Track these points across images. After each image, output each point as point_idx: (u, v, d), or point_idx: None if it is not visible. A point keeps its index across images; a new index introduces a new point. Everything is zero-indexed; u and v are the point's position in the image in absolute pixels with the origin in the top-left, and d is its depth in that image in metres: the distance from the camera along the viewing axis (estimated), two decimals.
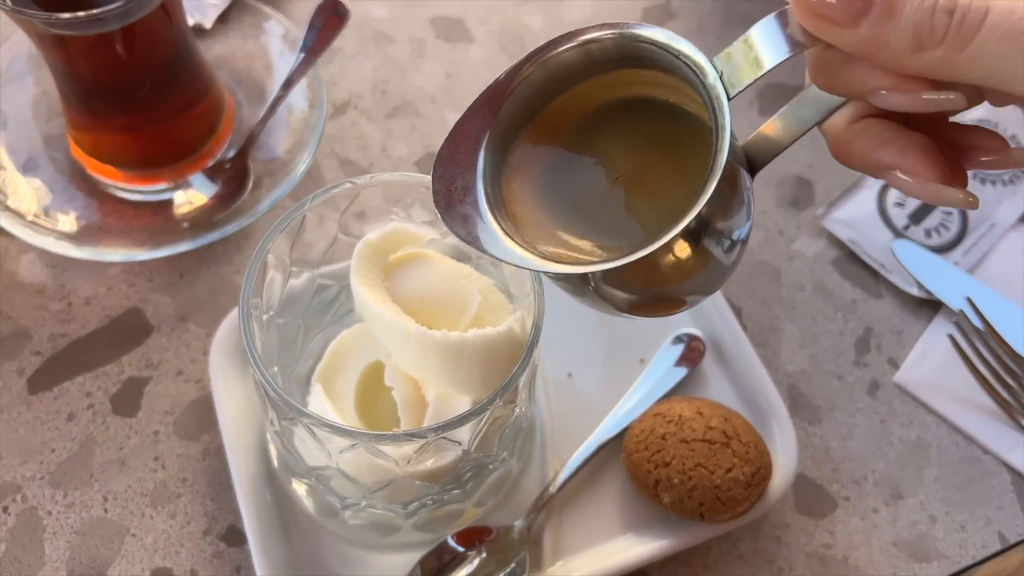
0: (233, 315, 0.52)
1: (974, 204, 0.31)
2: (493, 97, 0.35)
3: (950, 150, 0.32)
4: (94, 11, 0.47)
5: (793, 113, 0.35)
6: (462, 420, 0.38)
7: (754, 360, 0.54)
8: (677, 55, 0.32)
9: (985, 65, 0.27)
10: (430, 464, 0.41)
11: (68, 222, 0.57)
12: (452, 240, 0.46)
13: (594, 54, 0.34)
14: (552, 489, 0.49)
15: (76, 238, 0.56)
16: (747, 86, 0.31)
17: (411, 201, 0.45)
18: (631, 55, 0.34)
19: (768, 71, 0.30)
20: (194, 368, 0.55)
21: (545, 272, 0.33)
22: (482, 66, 0.68)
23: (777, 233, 0.63)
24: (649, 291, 0.34)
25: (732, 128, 0.30)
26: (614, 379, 0.54)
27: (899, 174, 0.31)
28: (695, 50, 0.32)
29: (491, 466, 0.45)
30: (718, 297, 0.56)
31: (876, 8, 0.27)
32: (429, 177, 0.43)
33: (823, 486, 0.54)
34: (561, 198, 0.36)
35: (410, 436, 0.37)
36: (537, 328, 0.40)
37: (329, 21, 0.62)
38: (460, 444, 0.40)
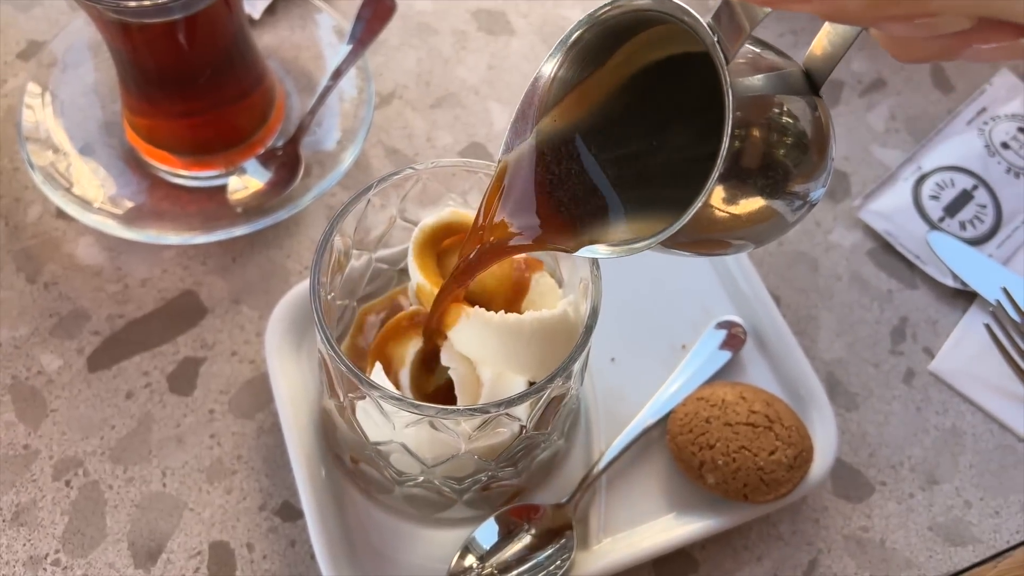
0: (287, 297, 0.54)
1: None
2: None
3: None
4: (160, 0, 0.48)
5: (835, 27, 0.35)
6: (524, 396, 0.39)
7: (794, 347, 0.55)
8: (678, 21, 0.33)
9: None
10: (489, 440, 0.42)
11: (124, 206, 0.58)
12: None
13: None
14: (597, 469, 0.51)
15: (132, 221, 0.57)
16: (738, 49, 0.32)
17: (468, 187, 0.46)
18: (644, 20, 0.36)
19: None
20: (247, 349, 0.56)
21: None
22: (523, 58, 0.69)
23: (814, 224, 0.64)
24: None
25: (733, 84, 0.31)
26: (656, 364, 0.55)
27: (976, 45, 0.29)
28: (693, 16, 0.32)
29: (543, 445, 0.46)
30: (758, 285, 0.57)
31: None
32: (485, 163, 0.45)
33: (860, 471, 0.55)
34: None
35: (475, 411, 0.39)
36: (595, 310, 0.41)
37: (377, 12, 0.64)
38: (519, 420, 0.42)
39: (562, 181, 0.39)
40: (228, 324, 0.57)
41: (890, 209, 0.64)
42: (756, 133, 0.33)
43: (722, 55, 0.31)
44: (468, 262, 0.41)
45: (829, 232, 0.63)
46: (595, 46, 0.38)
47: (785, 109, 0.34)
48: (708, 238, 0.36)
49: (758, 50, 0.35)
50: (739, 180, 0.33)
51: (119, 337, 0.56)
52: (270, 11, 0.67)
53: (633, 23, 0.37)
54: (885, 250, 0.63)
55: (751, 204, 0.34)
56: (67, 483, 0.52)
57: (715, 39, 0.31)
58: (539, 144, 0.39)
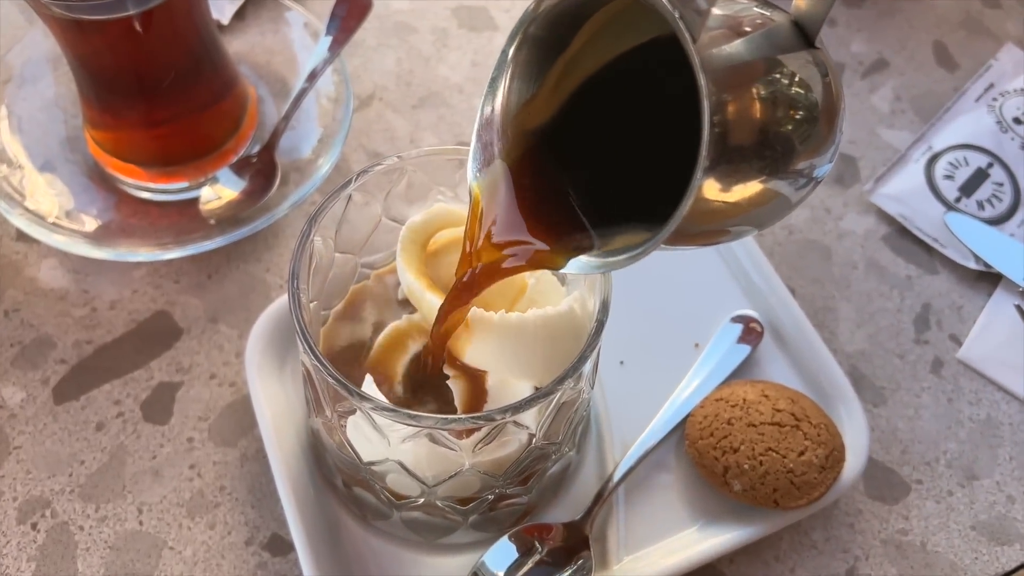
0: (268, 312, 0.50)
1: None
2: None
3: None
4: None
5: None
6: (532, 401, 0.35)
7: (815, 340, 0.51)
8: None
9: None
10: (495, 454, 0.38)
11: (89, 223, 0.54)
12: None
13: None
14: (613, 482, 0.47)
15: (98, 239, 0.53)
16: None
17: (458, 179, 0.43)
18: None
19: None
20: (227, 371, 0.52)
21: None
22: None
23: (824, 211, 0.60)
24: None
25: (706, 60, 0.27)
26: (669, 365, 0.51)
27: None
28: None
29: (553, 457, 0.42)
30: (772, 277, 0.53)
31: None
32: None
33: (894, 469, 0.51)
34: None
35: (479, 419, 0.35)
36: (606, 304, 0.37)
37: (351, 10, 0.60)
38: (527, 429, 0.38)
39: (541, 196, 0.36)
40: (205, 345, 0.53)
41: (903, 191, 0.60)
42: (744, 108, 0.28)
43: (687, 32, 0.27)
44: (462, 285, 0.37)
45: (840, 219, 0.60)
46: (546, 42, 0.34)
47: (776, 74, 0.30)
48: (703, 230, 0.32)
49: (737, 7, 0.30)
50: (732, 165, 0.29)
51: (87, 365, 0.52)
52: (239, 16, 0.64)
53: (581, 6, 0.33)
54: (901, 234, 0.59)
55: (748, 189, 0.30)
56: (33, 526, 0.47)
57: (677, 14, 0.27)
58: (510, 162, 0.36)
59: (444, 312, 0.38)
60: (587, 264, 0.34)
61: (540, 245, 0.35)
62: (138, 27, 0.48)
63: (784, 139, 0.30)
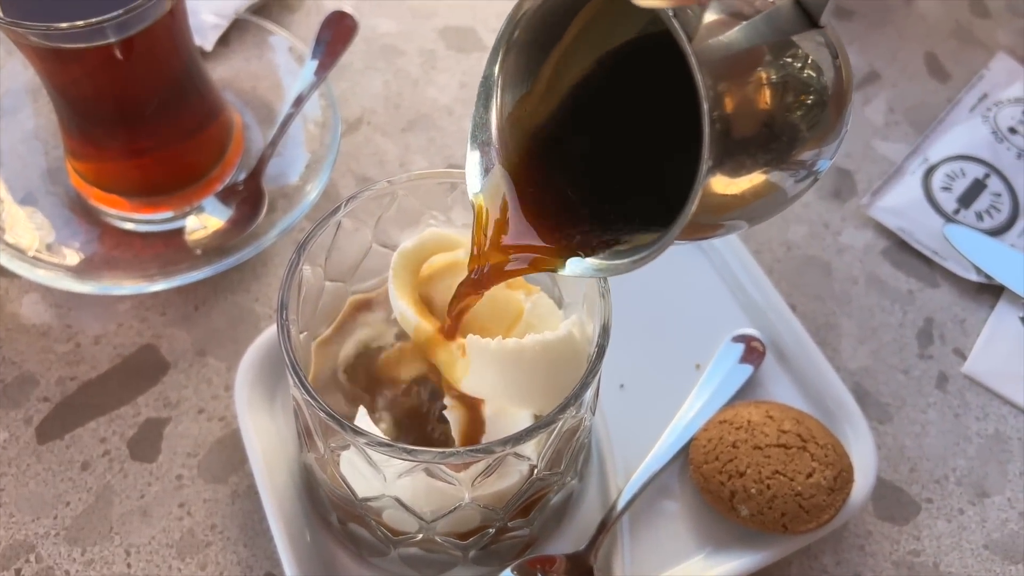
0: (256, 344, 0.48)
1: None
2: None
3: None
4: (93, 20, 0.43)
5: None
6: (533, 432, 0.34)
7: (818, 358, 0.50)
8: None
9: None
10: (495, 487, 0.37)
11: (72, 256, 0.53)
12: None
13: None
14: (617, 510, 0.45)
15: (81, 273, 0.52)
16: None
17: (451, 202, 0.42)
18: None
19: None
20: (216, 405, 0.50)
21: None
22: None
23: (822, 226, 0.59)
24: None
25: (702, 53, 0.26)
26: (670, 387, 0.50)
27: None
28: None
29: (555, 487, 0.41)
30: (772, 294, 0.52)
31: None
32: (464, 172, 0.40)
33: (903, 488, 0.50)
34: None
35: (478, 452, 0.33)
36: (606, 328, 0.36)
37: (337, 34, 0.59)
38: (528, 460, 0.36)
39: (544, 198, 0.35)
40: (193, 379, 0.51)
41: (901, 204, 0.60)
42: (747, 100, 0.27)
43: (682, 31, 0.26)
44: (470, 282, 0.37)
45: (839, 233, 0.59)
46: (533, 44, 0.33)
47: (780, 59, 0.28)
48: (699, 223, 0.30)
49: None
50: (736, 160, 0.28)
51: (72, 402, 0.50)
52: (223, 41, 0.63)
53: (566, 3, 0.32)
54: (900, 248, 0.59)
55: (752, 182, 0.29)
56: (17, 572, 0.45)
57: (671, 11, 0.26)
58: (510, 167, 0.35)
59: (454, 307, 0.38)
60: (592, 267, 0.33)
61: (546, 247, 0.35)
62: (119, 55, 0.46)
63: (791, 127, 0.28)
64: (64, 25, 0.43)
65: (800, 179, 0.30)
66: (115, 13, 0.44)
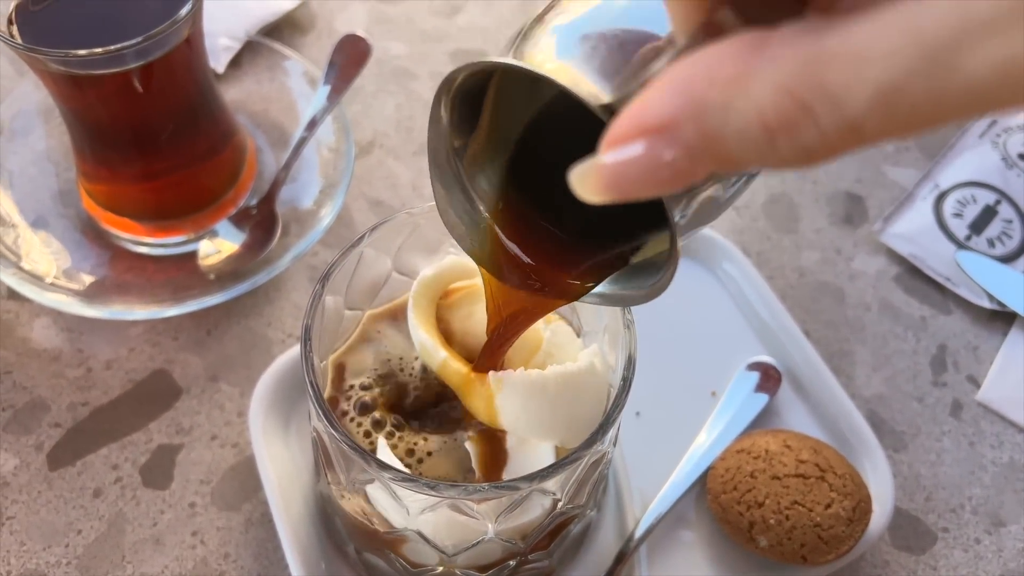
0: (271, 369, 0.48)
1: None
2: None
3: None
4: (112, 47, 0.43)
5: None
6: (558, 467, 0.33)
7: (834, 386, 0.50)
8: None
9: None
10: (517, 520, 0.37)
11: (84, 281, 0.52)
12: None
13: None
14: (634, 540, 0.45)
15: (93, 297, 0.51)
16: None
17: None
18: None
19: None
20: (229, 431, 0.50)
21: None
22: None
23: (834, 252, 0.59)
24: None
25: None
26: (686, 415, 0.50)
27: None
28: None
29: (576, 519, 0.41)
30: (787, 321, 0.52)
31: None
32: None
33: (919, 518, 0.50)
34: None
35: (503, 488, 0.33)
36: (632, 360, 0.36)
37: (351, 57, 0.59)
38: (552, 495, 0.36)
39: (535, 237, 0.34)
40: (206, 404, 0.51)
41: (913, 231, 0.60)
42: (701, 203, 0.28)
43: (672, 215, 0.26)
44: (495, 340, 0.37)
45: (851, 259, 0.59)
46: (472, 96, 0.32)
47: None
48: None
49: None
50: (697, 219, 0.28)
51: (83, 428, 0.50)
52: (235, 64, 0.63)
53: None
54: (912, 274, 0.59)
55: (708, 217, 0.30)
56: None
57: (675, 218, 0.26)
58: (493, 217, 0.34)
59: (484, 361, 0.38)
60: (603, 296, 0.33)
61: (558, 288, 0.34)
62: (136, 81, 0.46)
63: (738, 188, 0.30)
64: (83, 52, 0.43)
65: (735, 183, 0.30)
66: (134, 40, 0.43)
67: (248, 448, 0.49)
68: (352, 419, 0.40)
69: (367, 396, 0.40)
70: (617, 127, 0.20)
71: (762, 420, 0.50)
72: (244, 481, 0.48)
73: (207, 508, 0.48)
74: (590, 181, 0.21)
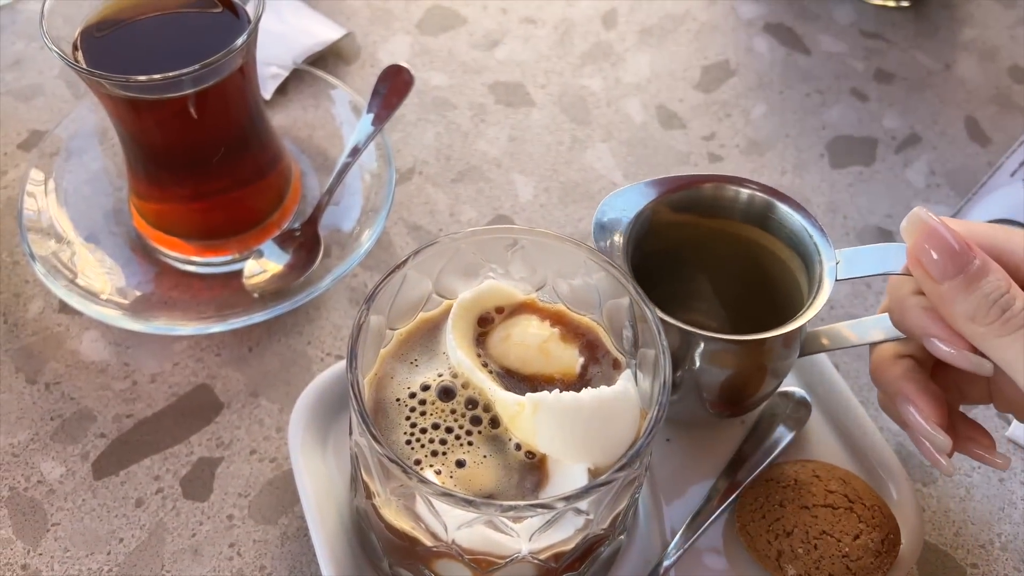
0: (311, 388, 0.49)
1: (948, 471, 0.40)
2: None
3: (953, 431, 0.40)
4: (170, 74, 0.45)
5: (861, 328, 0.46)
6: (593, 488, 0.34)
7: (863, 417, 0.50)
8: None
9: (1006, 353, 0.35)
10: (552, 539, 0.37)
11: (131, 296, 0.54)
12: (549, 297, 0.44)
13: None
14: (663, 566, 0.45)
15: (140, 312, 0.53)
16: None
17: (510, 257, 0.43)
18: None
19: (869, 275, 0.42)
20: (268, 446, 0.51)
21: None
22: (545, 129, 0.67)
23: (864, 286, 0.60)
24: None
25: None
26: (716, 443, 0.50)
27: (911, 408, 0.40)
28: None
29: (607, 541, 0.41)
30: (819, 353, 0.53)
31: (959, 279, 0.36)
32: (525, 228, 0.42)
33: (948, 552, 0.50)
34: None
35: (539, 507, 0.34)
36: (667, 386, 0.37)
37: (394, 87, 0.61)
38: (586, 515, 0.37)
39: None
40: (246, 419, 0.52)
41: None
42: None
43: None
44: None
45: (880, 293, 0.60)
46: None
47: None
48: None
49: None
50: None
51: (127, 439, 0.51)
52: (281, 91, 0.65)
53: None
54: None
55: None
56: None
57: None
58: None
59: None
60: None
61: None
62: (191, 106, 0.48)
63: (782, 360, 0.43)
64: (143, 78, 0.45)
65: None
66: (191, 68, 0.46)
67: (286, 463, 0.51)
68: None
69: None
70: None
71: (791, 450, 0.50)
72: (281, 495, 0.50)
73: (244, 521, 0.49)
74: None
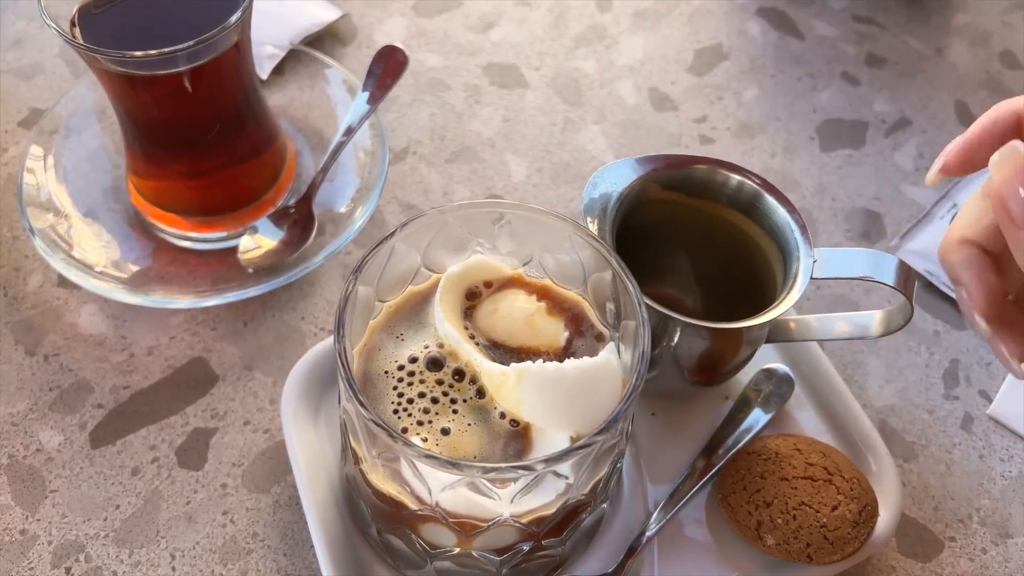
0: (303, 360, 0.50)
1: (1019, 373, 0.39)
2: None
3: None
4: (166, 49, 0.46)
5: (828, 323, 0.49)
6: (572, 452, 0.35)
7: (846, 394, 0.51)
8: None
9: None
10: (533, 503, 0.39)
11: (129, 270, 0.55)
12: (536, 271, 0.45)
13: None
14: (645, 535, 0.46)
15: (138, 286, 0.54)
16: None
17: (497, 231, 0.44)
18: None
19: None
20: (261, 417, 0.53)
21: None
22: (539, 110, 0.68)
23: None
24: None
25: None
26: (700, 417, 0.51)
27: (964, 294, 0.39)
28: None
29: (589, 508, 0.42)
30: None
31: None
32: (513, 203, 0.43)
33: (926, 526, 0.51)
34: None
35: (519, 468, 0.35)
36: (645, 357, 0.38)
37: (388, 67, 0.62)
38: (566, 479, 0.38)
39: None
40: (240, 392, 0.53)
41: (929, 248, 0.61)
42: None
43: None
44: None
45: (865, 288, 0.60)
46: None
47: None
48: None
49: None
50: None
51: (124, 410, 0.53)
52: (278, 71, 0.66)
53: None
54: (928, 290, 0.60)
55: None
56: (67, 570, 0.47)
57: None
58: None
59: None
60: None
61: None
62: (187, 82, 0.49)
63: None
64: (138, 53, 0.46)
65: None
66: (186, 44, 0.46)
67: (279, 434, 0.52)
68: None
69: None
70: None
71: (774, 425, 0.51)
72: (274, 465, 0.51)
73: (238, 489, 0.50)
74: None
